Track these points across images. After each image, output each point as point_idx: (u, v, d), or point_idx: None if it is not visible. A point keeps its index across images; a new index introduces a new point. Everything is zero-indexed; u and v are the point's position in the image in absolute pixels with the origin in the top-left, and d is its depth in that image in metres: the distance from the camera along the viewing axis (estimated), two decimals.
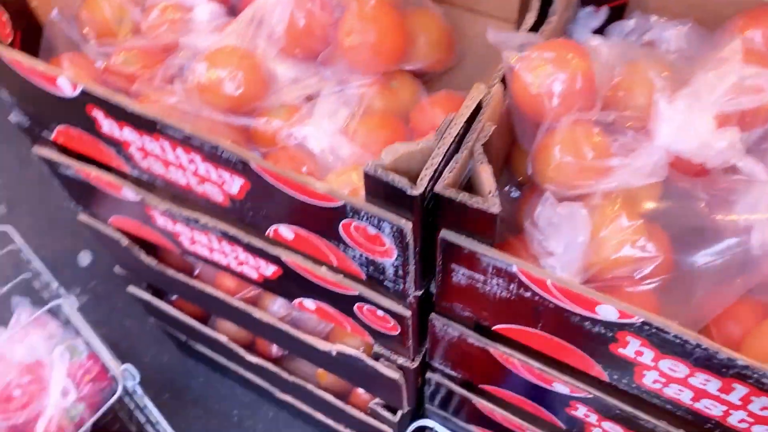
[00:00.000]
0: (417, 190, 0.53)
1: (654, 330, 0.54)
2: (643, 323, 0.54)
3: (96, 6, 0.81)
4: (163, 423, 1.12)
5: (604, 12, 0.76)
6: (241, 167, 0.63)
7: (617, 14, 0.79)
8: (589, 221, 0.55)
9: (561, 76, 0.59)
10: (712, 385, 0.56)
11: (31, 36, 0.82)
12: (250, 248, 0.78)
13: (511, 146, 0.72)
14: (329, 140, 0.71)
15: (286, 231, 0.70)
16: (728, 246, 0.60)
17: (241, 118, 0.72)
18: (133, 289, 1.17)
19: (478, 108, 0.59)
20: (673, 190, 0.63)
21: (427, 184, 0.55)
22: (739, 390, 0.54)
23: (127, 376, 1.14)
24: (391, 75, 0.77)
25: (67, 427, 1.20)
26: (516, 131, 0.65)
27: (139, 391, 1.14)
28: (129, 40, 0.80)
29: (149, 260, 1.00)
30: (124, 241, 0.97)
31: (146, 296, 1.16)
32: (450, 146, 0.56)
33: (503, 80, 0.62)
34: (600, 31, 0.76)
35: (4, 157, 1.80)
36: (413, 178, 0.55)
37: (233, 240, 0.78)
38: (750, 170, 0.62)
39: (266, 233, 0.72)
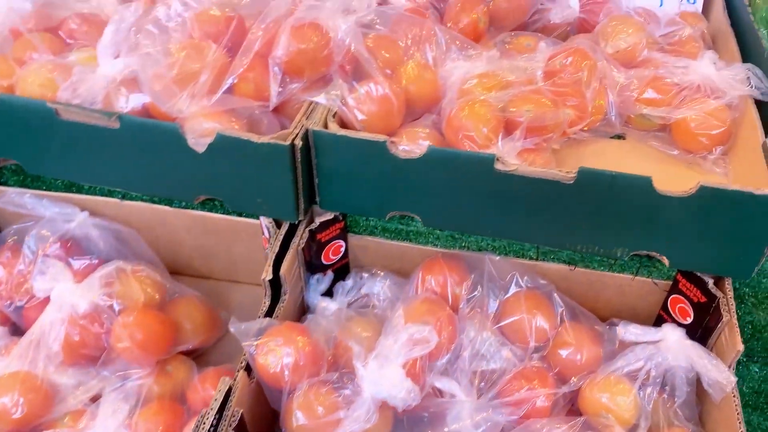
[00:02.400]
0: None
1: None
2: None
3: None
4: None
5: (329, 276, 0.97)
6: None
7: (344, 271, 1.01)
8: None
9: (289, 357, 0.76)
10: None
11: None
12: None
13: None
14: None
15: None
16: None
17: None
18: None
19: (228, 394, 0.74)
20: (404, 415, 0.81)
21: None
22: None
23: None
24: (166, 360, 0.90)
25: None
26: (269, 399, 0.80)
27: None
28: None
29: None
30: None
31: None
32: None
33: (247, 367, 0.78)
34: (330, 290, 0.97)
35: None
36: None
37: None
38: (448, 388, 0.82)
39: None
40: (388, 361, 0.74)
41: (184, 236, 1.02)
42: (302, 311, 0.97)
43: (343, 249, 0.97)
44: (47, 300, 0.89)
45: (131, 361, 0.87)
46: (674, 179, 0.93)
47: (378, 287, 0.94)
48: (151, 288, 0.91)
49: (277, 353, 0.77)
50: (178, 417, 0.85)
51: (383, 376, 0.73)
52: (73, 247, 0.97)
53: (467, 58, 0.95)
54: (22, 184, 1.00)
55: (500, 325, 0.89)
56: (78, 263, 0.94)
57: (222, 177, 0.87)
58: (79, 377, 0.87)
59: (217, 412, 0.71)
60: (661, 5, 1.23)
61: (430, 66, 0.93)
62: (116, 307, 0.87)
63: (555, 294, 0.90)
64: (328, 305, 0.92)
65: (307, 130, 0.83)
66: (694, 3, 1.21)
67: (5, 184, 1.00)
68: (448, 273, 0.90)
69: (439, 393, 0.83)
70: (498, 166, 0.79)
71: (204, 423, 0.70)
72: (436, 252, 0.95)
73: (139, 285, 0.90)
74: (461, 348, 0.86)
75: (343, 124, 0.87)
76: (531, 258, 0.92)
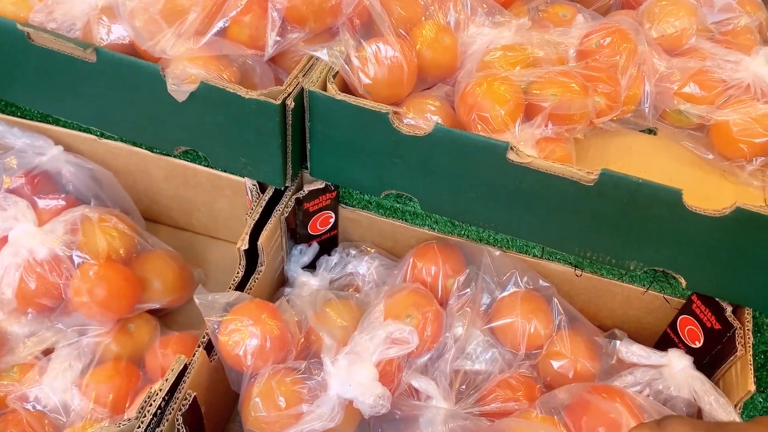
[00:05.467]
0: None
1: None
2: None
3: None
4: None
5: (314, 248, 0.90)
6: None
7: (332, 243, 0.94)
8: None
9: (254, 338, 0.69)
10: None
11: None
12: None
13: None
14: (61, 397, 0.75)
15: None
16: None
17: None
18: None
19: (183, 374, 0.67)
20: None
21: None
22: None
23: None
24: (129, 318, 0.84)
25: None
26: (229, 381, 0.73)
27: None
28: None
29: None
30: None
31: None
32: (151, 421, 0.63)
33: (208, 345, 0.71)
34: (314, 262, 0.90)
35: None
36: None
37: None
38: (425, 389, 0.75)
39: None
40: (360, 361, 0.67)
41: (163, 185, 0.94)
42: (281, 282, 0.90)
43: (332, 221, 0.89)
44: (4, 239, 0.82)
45: (90, 318, 0.80)
46: (706, 188, 0.84)
47: (364, 267, 0.86)
48: (118, 240, 0.84)
49: (242, 333, 0.70)
50: (134, 382, 0.79)
51: (352, 377, 0.66)
52: (41, 183, 0.89)
53: (494, 24, 0.84)
54: None
55: (491, 325, 0.82)
56: (43, 203, 0.87)
57: (204, 129, 0.78)
58: (33, 327, 0.81)
59: (167, 392, 0.65)
60: None
61: (450, 30, 0.82)
62: (76, 259, 0.80)
63: (555, 299, 0.82)
64: (309, 281, 0.85)
65: (302, 89, 0.73)
66: None
67: None
68: (441, 262, 0.83)
69: (415, 393, 0.76)
70: (511, 155, 0.70)
71: (150, 405, 0.63)
72: (432, 236, 0.87)
73: (104, 236, 0.82)
74: (445, 347, 0.79)
75: (345, 85, 0.78)
76: (535, 256, 0.84)
